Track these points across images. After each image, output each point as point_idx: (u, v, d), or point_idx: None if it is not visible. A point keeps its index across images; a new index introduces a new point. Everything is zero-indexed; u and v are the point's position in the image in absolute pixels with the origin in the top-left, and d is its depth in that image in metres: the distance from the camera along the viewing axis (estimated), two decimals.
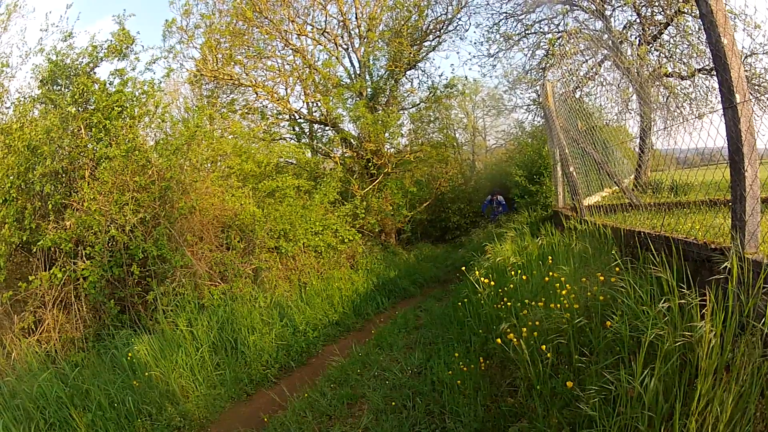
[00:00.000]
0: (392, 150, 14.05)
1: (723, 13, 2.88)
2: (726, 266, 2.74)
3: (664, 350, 2.48)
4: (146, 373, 4.72)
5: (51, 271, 5.99)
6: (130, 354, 4.97)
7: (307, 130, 14.73)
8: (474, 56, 16.75)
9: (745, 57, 11.25)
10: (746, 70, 11.28)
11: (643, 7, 12.74)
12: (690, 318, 2.57)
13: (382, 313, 7.88)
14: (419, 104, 14.67)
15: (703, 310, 2.56)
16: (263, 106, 13.44)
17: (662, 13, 12.52)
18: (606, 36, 12.96)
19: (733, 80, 2.82)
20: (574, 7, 13.07)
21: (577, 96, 10.28)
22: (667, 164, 8.58)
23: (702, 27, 3.12)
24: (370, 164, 13.23)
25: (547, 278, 4.22)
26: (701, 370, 2.31)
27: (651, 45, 12.77)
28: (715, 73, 3.01)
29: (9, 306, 5.98)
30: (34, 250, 6.12)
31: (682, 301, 2.68)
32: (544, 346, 3.28)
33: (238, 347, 5.40)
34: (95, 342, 5.82)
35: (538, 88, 12.07)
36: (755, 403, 2.22)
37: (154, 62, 7.61)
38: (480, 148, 22.19)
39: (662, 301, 2.78)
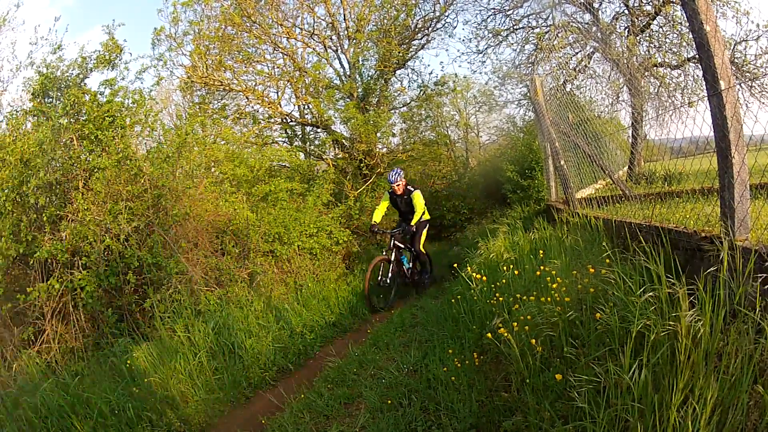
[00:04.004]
0: (384, 150, 14.06)
1: (705, 0, 2.91)
2: (715, 254, 2.77)
3: (652, 340, 2.51)
4: (145, 380, 4.75)
5: (48, 283, 6.03)
6: (129, 361, 5.00)
7: (299, 133, 14.76)
8: (463, 53, 16.85)
9: (735, 44, 11.31)
10: (737, 57, 11.33)
11: None
12: (679, 307, 2.59)
13: (379, 312, 7.90)
14: (410, 103, 14.69)
15: (693, 299, 2.59)
16: (254, 110, 13.46)
17: (650, 3, 12.57)
18: (595, 28, 13.00)
19: (717, 67, 2.86)
20: (562, 1, 13.10)
21: (568, 89, 10.30)
22: (660, 154, 8.65)
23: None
24: (362, 165, 13.25)
25: (538, 272, 4.25)
26: (682, 360, 2.34)
27: (640, 36, 12.81)
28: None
29: (9, 318, 6.01)
30: (31, 262, 6.15)
31: (671, 290, 2.70)
32: (534, 340, 3.32)
33: (236, 351, 5.42)
34: (94, 351, 5.86)
35: (527, 82, 12.09)
36: (747, 392, 2.24)
37: (144, 71, 7.65)
38: (473, 144, 22.16)
39: (649, 291, 2.81)
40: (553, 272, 3.98)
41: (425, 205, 8.99)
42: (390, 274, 8.48)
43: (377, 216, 8.90)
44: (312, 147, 14.51)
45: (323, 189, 10.43)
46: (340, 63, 14.00)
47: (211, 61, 12.33)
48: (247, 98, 13.14)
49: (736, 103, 2.84)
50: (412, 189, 8.87)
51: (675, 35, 12.44)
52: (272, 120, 13.82)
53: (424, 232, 9.12)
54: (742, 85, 11.22)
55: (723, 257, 2.70)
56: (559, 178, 7.68)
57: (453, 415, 3.57)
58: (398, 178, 8.77)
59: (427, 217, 9.18)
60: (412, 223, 8.63)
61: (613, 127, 9.92)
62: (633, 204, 5.20)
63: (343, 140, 13.79)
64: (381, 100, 13.76)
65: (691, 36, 3.60)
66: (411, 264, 9.24)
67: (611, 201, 5.72)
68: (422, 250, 9.09)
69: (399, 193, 8.84)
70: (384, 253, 8.65)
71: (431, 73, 29.61)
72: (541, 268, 4.25)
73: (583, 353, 2.99)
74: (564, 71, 13.29)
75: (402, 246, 8.95)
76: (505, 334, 3.49)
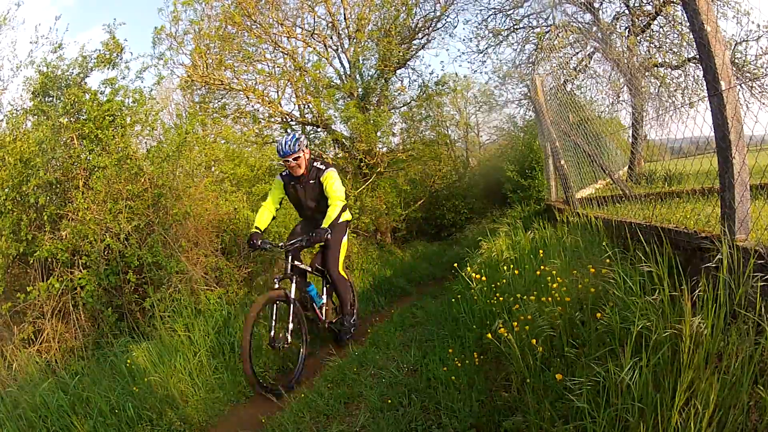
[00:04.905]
0: (384, 149, 14.04)
1: (705, 0, 2.91)
2: (716, 254, 2.77)
3: (653, 341, 2.51)
4: (145, 379, 4.75)
5: (48, 282, 6.03)
6: (129, 361, 5.00)
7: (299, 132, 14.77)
8: (463, 53, 16.88)
9: (736, 44, 11.33)
10: (737, 58, 11.35)
11: None
12: (680, 308, 2.59)
13: (379, 312, 7.90)
14: (410, 102, 14.68)
15: (694, 299, 2.59)
16: (255, 109, 13.44)
17: (651, 3, 12.58)
18: (595, 28, 13.01)
19: (718, 67, 2.86)
20: (563, 0, 13.12)
21: (568, 89, 10.30)
22: (661, 154, 8.65)
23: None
24: (362, 164, 13.25)
25: (539, 272, 4.26)
26: (684, 361, 2.34)
27: (640, 36, 12.82)
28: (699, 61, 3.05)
29: (8, 317, 6.01)
30: (31, 261, 6.15)
31: (674, 292, 2.70)
32: (534, 340, 3.32)
33: (236, 350, 5.41)
34: (94, 350, 5.86)
35: (528, 82, 12.09)
36: (748, 393, 2.24)
37: (144, 70, 7.63)
38: (473, 144, 22.18)
39: (650, 292, 2.82)
40: (554, 272, 3.99)
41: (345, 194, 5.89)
42: (291, 325, 5.25)
43: (261, 219, 5.76)
44: (312, 146, 14.51)
45: None
46: (341, 62, 14.01)
47: (212, 60, 12.32)
48: (247, 97, 13.13)
49: (736, 103, 2.84)
50: (323, 167, 5.68)
51: (675, 35, 12.47)
52: (272, 119, 13.80)
53: (344, 242, 5.96)
54: (743, 85, 11.23)
55: (723, 258, 2.70)
56: (559, 178, 7.68)
57: (453, 414, 3.57)
58: (296, 147, 5.47)
59: (348, 217, 6.09)
60: (325, 223, 5.32)
61: (614, 127, 9.92)
62: (633, 204, 5.20)
63: (343, 139, 13.77)
64: (381, 99, 13.74)
65: (691, 36, 3.61)
66: (326, 297, 6.21)
67: (611, 201, 5.73)
68: (342, 274, 5.95)
69: (299, 174, 5.62)
70: (276, 285, 5.34)
71: (432, 72, 29.69)
72: (542, 267, 4.25)
73: (584, 353, 3.00)
74: (564, 71, 13.30)
75: (309, 270, 5.93)
76: (506, 334, 3.50)
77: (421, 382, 4.29)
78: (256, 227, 5.63)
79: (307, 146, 5.66)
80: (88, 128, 6.59)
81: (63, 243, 6.13)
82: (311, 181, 5.70)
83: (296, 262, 5.57)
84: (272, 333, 5.16)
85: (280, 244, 5.52)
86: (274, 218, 5.98)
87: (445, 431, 3.46)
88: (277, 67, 13.37)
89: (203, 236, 7.02)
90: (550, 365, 3.22)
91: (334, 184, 5.57)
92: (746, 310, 2.43)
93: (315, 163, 5.72)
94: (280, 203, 5.99)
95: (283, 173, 5.85)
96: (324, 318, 6.05)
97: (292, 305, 5.32)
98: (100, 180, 6.38)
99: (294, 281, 5.42)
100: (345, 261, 6.16)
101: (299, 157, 5.52)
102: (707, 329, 2.40)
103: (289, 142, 5.47)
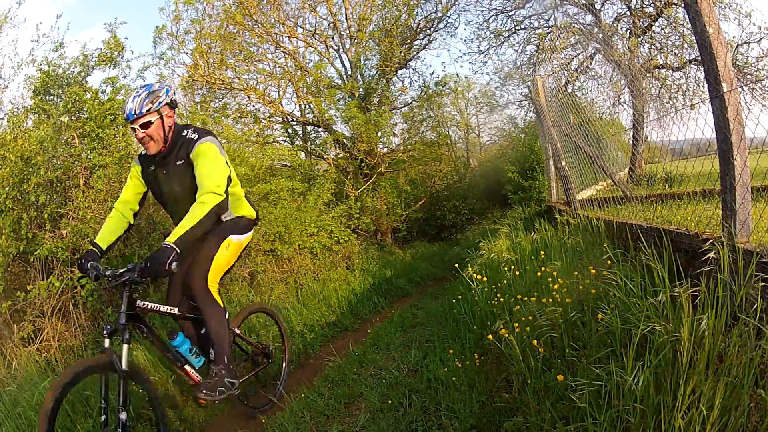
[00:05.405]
0: (385, 149, 14.06)
1: (708, 2, 2.91)
2: (717, 256, 2.76)
3: (657, 343, 2.51)
4: None
5: (49, 280, 6.01)
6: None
7: (300, 132, 14.77)
8: (465, 53, 16.86)
9: (737, 46, 11.33)
10: (738, 60, 11.35)
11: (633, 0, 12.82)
12: (681, 310, 2.58)
13: (379, 312, 7.90)
14: (411, 103, 14.71)
15: (696, 302, 2.59)
16: (255, 109, 13.46)
17: (652, 4, 12.58)
18: (596, 29, 13.01)
19: (720, 69, 2.84)
20: (564, 2, 13.12)
21: (569, 90, 10.30)
22: (662, 156, 8.65)
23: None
24: (363, 164, 13.26)
25: (539, 273, 4.25)
26: (684, 365, 2.34)
27: (642, 37, 12.82)
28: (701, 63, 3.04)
29: (8, 316, 5.99)
30: (32, 259, 6.13)
31: (675, 293, 2.69)
32: (535, 341, 3.32)
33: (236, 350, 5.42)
34: (94, 349, 5.84)
35: (529, 83, 12.10)
36: (749, 394, 2.23)
37: (145, 69, 7.63)
38: (474, 145, 22.21)
39: (651, 294, 2.82)
40: (554, 273, 3.98)
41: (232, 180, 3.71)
42: (123, 414, 3.18)
43: (105, 231, 3.77)
44: (313, 146, 14.55)
45: (324, 188, 10.44)
46: (342, 62, 14.05)
47: (213, 59, 12.34)
48: (248, 97, 13.15)
49: (738, 105, 2.83)
50: (196, 136, 3.53)
51: (676, 37, 12.47)
52: (273, 119, 13.82)
53: (229, 246, 3.81)
54: (744, 87, 11.22)
55: (724, 259, 2.70)
56: (560, 179, 7.67)
57: (454, 415, 3.57)
58: (143, 107, 3.36)
59: (245, 212, 4.11)
60: (171, 237, 3.15)
61: (615, 129, 9.92)
62: (634, 205, 5.19)
63: (344, 140, 13.80)
64: (382, 99, 13.76)
65: (692, 37, 3.61)
66: (212, 351, 3.89)
67: (612, 202, 5.72)
68: (211, 291, 3.72)
69: (155, 151, 3.50)
70: (106, 344, 3.28)
71: (432, 73, 29.72)
72: (542, 268, 4.25)
73: (585, 354, 2.99)
74: (565, 72, 13.30)
75: (171, 313, 3.90)
76: (506, 335, 3.50)
77: (421, 383, 4.29)
78: (94, 244, 3.67)
79: (171, 105, 3.56)
80: (89, 127, 6.58)
81: (63, 242, 6.11)
82: (179, 162, 3.51)
83: (140, 304, 3.54)
84: (104, 418, 3.19)
85: (107, 272, 3.39)
86: (131, 225, 3.87)
87: None
88: (279, 66, 13.40)
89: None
90: (551, 366, 3.21)
91: (207, 163, 3.39)
92: (747, 313, 2.43)
93: (184, 132, 3.58)
94: (142, 203, 3.90)
95: (142, 153, 3.68)
96: (214, 385, 3.72)
97: (122, 380, 3.19)
98: (100, 179, 6.37)
99: (127, 338, 3.27)
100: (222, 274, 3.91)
101: (150, 122, 3.38)
102: (709, 331, 2.40)
103: (136, 98, 3.37)
